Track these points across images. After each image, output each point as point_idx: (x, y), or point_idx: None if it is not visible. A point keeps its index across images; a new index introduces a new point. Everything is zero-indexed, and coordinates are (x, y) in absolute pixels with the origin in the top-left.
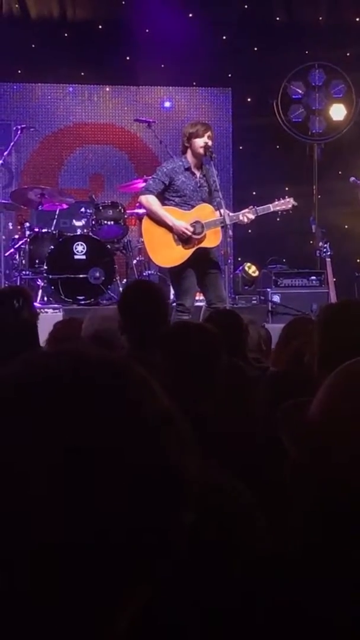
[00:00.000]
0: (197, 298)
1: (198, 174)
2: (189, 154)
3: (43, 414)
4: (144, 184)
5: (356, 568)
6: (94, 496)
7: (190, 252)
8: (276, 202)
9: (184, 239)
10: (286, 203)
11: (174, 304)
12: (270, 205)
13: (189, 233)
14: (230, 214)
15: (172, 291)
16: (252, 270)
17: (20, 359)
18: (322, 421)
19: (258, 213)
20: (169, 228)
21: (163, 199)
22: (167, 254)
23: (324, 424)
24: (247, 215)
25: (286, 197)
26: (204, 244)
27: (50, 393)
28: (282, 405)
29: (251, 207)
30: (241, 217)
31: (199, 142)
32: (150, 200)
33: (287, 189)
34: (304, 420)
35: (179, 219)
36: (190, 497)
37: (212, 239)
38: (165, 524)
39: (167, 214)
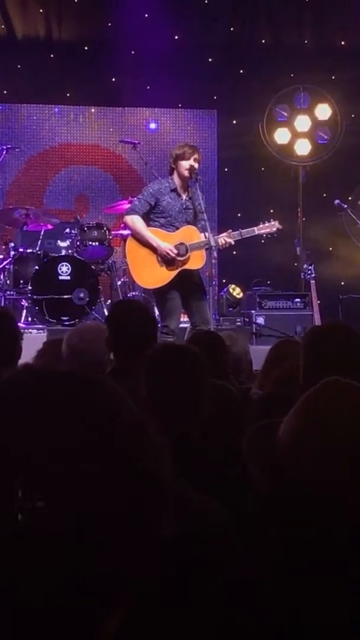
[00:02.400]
0: (182, 319)
1: (184, 195)
2: (175, 176)
3: (12, 430)
4: (129, 205)
5: (325, 591)
6: (74, 508)
7: (173, 273)
8: (261, 225)
9: (167, 261)
10: (271, 226)
11: (159, 326)
12: (255, 228)
13: (173, 255)
14: (214, 237)
15: (156, 312)
16: (236, 292)
17: None
18: (287, 450)
19: (243, 236)
20: (154, 249)
21: (148, 219)
22: (150, 274)
23: (289, 454)
24: (225, 238)
25: (271, 220)
26: (187, 266)
27: (20, 409)
28: (247, 433)
29: (230, 231)
30: (220, 242)
31: (185, 165)
32: (135, 221)
33: (272, 211)
34: (270, 449)
35: (164, 240)
36: (167, 501)
37: (196, 261)
38: (146, 527)
39: (152, 235)
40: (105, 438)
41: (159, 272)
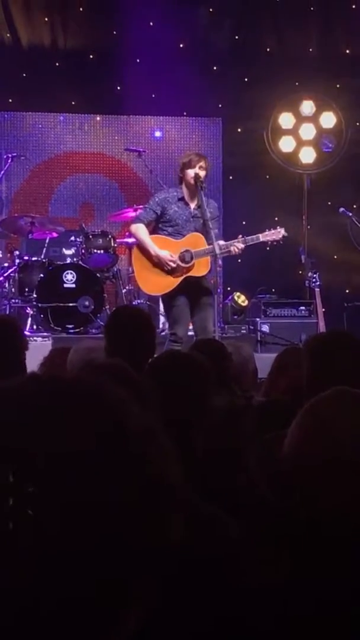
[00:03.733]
0: (190, 327)
1: (192, 204)
2: (183, 185)
3: (18, 435)
4: (134, 213)
5: (331, 599)
6: (81, 511)
7: (178, 280)
8: (266, 232)
9: (171, 268)
10: (276, 233)
11: (165, 333)
12: (260, 235)
13: (172, 264)
14: (221, 242)
15: (161, 320)
16: (241, 299)
17: None
18: (292, 460)
19: (247, 243)
20: (154, 258)
21: (157, 228)
22: (155, 282)
23: (294, 463)
24: (236, 245)
25: (277, 227)
26: (192, 273)
27: (26, 415)
28: (253, 444)
29: (240, 236)
30: (231, 248)
31: (190, 173)
32: (139, 229)
33: (276, 219)
34: (276, 458)
35: (169, 247)
36: (177, 503)
37: (200, 268)
38: (158, 531)
39: (152, 243)
40: (115, 442)
41: (164, 279)
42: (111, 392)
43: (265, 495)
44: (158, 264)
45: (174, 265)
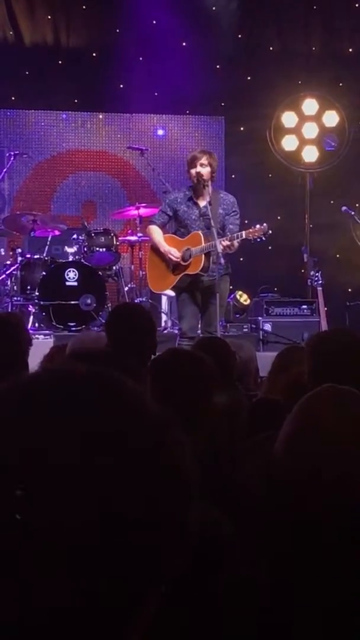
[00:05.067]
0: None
1: (202, 203)
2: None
3: (35, 430)
4: (136, 212)
5: (320, 594)
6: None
7: (177, 278)
8: (249, 230)
9: (174, 266)
10: (259, 230)
11: (167, 331)
12: (243, 232)
13: (174, 259)
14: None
15: (163, 318)
16: (243, 298)
17: (10, 380)
18: (284, 456)
19: (233, 240)
20: (163, 255)
21: (174, 229)
22: (159, 279)
23: (286, 459)
24: (222, 243)
25: (264, 224)
26: (187, 271)
27: (41, 408)
28: (246, 442)
29: (222, 239)
30: (218, 247)
31: (192, 172)
32: (152, 230)
33: (279, 217)
34: (268, 455)
35: (174, 245)
36: (194, 496)
37: (195, 266)
38: (177, 524)
39: (162, 241)
40: (132, 434)
41: (167, 276)
42: (126, 384)
43: (259, 493)
44: (166, 262)
45: (174, 260)
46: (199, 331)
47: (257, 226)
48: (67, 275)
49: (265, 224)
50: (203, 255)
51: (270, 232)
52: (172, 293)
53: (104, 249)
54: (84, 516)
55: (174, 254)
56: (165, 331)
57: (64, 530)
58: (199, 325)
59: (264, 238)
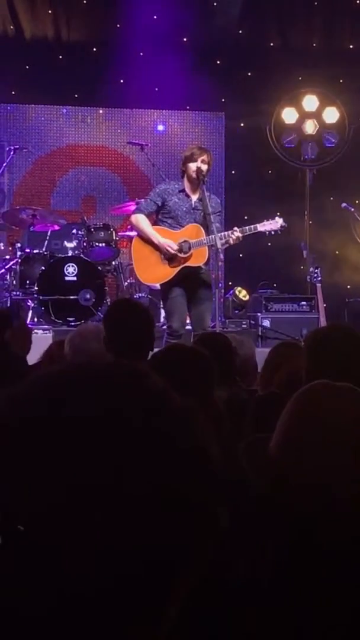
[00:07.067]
0: (188, 321)
1: (194, 197)
2: (185, 178)
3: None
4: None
5: (321, 594)
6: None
7: (175, 270)
8: (264, 222)
9: (170, 258)
10: (274, 223)
11: (164, 327)
12: (258, 225)
13: (172, 251)
14: (219, 234)
15: (162, 314)
16: (242, 294)
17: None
18: (280, 451)
19: (245, 232)
20: (156, 246)
21: (157, 220)
22: (153, 272)
23: (282, 454)
24: (234, 233)
25: (276, 217)
26: (189, 263)
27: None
28: (245, 440)
29: (235, 228)
30: (229, 239)
31: (192, 167)
32: (139, 219)
33: (278, 213)
34: (266, 452)
35: (168, 237)
36: (220, 483)
37: (197, 258)
38: (205, 509)
39: (155, 232)
40: (160, 422)
41: (162, 269)
42: (151, 373)
43: (256, 485)
44: (158, 252)
45: (172, 252)
46: (189, 327)
47: (272, 220)
48: (67, 270)
49: (280, 218)
50: (206, 248)
51: (286, 225)
52: (157, 286)
53: (104, 244)
54: (114, 500)
55: (172, 246)
56: (164, 327)
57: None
58: (189, 321)
59: (279, 232)
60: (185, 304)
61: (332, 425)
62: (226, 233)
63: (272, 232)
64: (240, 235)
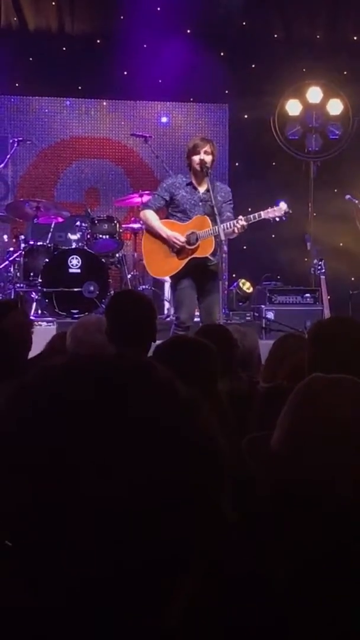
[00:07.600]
0: (196, 313)
1: (201, 189)
2: (191, 171)
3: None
4: (139, 199)
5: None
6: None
7: (183, 262)
8: (268, 210)
9: (178, 250)
10: (278, 210)
11: (169, 319)
12: (262, 212)
13: (180, 242)
14: (222, 226)
15: (166, 306)
16: (246, 286)
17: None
18: (282, 447)
19: (250, 221)
20: (164, 240)
21: (168, 214)
22: (162, 265)
23: (284, 450)
24: (239, 222)
25: (284, 203)
26: (197, 254)
27: (86, 393)
28: (246, 437)
29: (240, 217)
30: (233, 228)
31: (195, 159)
32: (148, 215)
33: (282, 201)
34: (268, 451)
35: (175, 230)
36: (226, 475)
37: (205, 249)
38: (211, 499)
39: (162, 226)
40: (168, 415)
41: (170, 261)
42: (159, 367)
43: (260, 483)
44: (167, 245)
45: (180, 244)
46: (197, 319)
47: (276, 206)
48: (70, 262)
49: (285, 204)
50: (213, 238)
51: (290, 211)
52: (167, 278)
53: (107, 236)
54: (122, 490)
55: (179, 238)
56: (168, 319)
57: (109, 500)
58: (198, 314)
59: (284, 218)
60: (194, 295)
61: (333, 419)
62: (231, 222)
63: (277, 219)
64: (245, 223)
